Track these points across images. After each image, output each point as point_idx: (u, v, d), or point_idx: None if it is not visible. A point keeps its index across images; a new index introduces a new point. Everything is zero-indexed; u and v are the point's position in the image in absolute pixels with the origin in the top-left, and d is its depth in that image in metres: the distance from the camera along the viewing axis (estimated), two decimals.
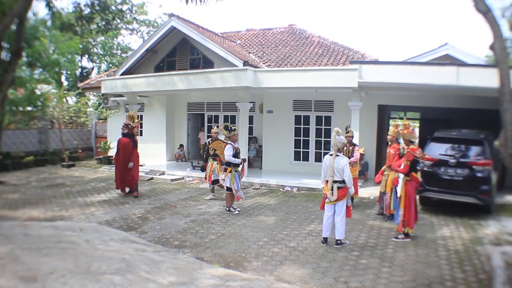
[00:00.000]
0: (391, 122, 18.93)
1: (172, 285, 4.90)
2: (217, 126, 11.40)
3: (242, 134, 14.59)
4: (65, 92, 20.71)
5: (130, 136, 11.98)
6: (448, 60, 14.46)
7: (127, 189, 12.21)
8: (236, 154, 10.09)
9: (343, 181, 7.38)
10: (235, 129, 10.30)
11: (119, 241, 7.10)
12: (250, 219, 9.48)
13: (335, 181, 7.36)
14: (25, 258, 5.15)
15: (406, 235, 7.83)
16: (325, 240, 7.60)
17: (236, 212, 10.10)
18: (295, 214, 10.08)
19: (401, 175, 8.27)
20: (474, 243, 7.66)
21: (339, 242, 7.48)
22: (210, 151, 11.57)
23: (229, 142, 10.16)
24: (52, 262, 5.08)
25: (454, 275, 6.07)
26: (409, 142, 8.04)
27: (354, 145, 10.58)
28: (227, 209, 10.16)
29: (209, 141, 11.77)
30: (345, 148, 10.37)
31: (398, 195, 8.11)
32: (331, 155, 7.48)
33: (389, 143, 9.71)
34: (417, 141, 8.12)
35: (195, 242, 7.70)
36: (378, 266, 6.46)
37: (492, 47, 5.33)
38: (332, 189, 7.35)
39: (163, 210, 10.38)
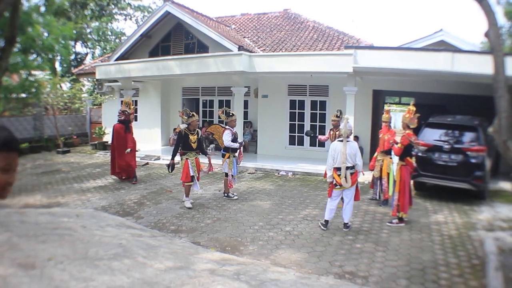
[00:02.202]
0: (386, 107, 18.98)
1: (169, 269, 4.95)
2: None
3: (237, 119, 14.58)
4: (60, 78, 20.57)
5: (124, 122, 11.97)
6: (443, 46, 14.47)
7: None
8: (234, 139, 10.01)
9: (353, 167, 7.43)
10: (233, 114, 10.13)
11: (116, 227, 7.14)
12: (245, 203, 9.54)
13: (347, 168, 7.37)
14: (23, 245, 5.18)
15: (400, 219, 7.90)
16: (326, 223, 7.66)
17: (235, 197, 10.11)
18: (290, 198, 10.15)
19: (395, 160, 8.34)
20: (468, 229, 7.74)
21: (348, 225, 7.58)
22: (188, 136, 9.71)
23: (227, 127, 10.00)
24: (49, 249, 5.11)
25: (448, 260, 6.15)
26: (406, 126, 8.06)
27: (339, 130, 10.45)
28: (226, 194, 10.18)
29: (180, 130, 9.68)
30: (332, 132, 10.29)
31: (393, 180, 8.16)
32: (341, 141, 7.49)
33: (382, 128, 9.77)
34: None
35: (191, 227, 7.76)
36: (372, 250, 6.54)
37: (487, 35, 5.37)
38: (345, 176, 7.37)
39: (159, 195, 10.43)
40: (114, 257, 5.13)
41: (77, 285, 4.24)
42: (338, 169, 7.40)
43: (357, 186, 7.61)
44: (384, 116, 9.73)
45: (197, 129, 9.81)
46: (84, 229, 6.48)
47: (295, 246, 6.72)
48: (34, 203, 9.62)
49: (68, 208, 8.97)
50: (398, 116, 37.89)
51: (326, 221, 7.67)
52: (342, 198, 7.73)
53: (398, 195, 7.82)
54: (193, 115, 9.69)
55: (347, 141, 7.44)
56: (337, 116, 10.40)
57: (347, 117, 7.63)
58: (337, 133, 10.24)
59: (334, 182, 7.49)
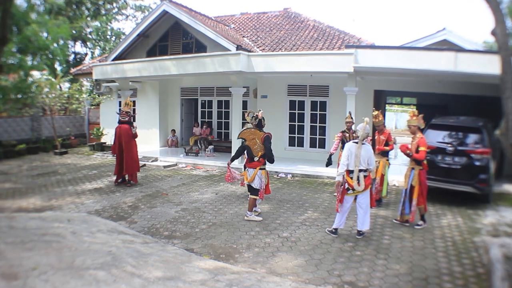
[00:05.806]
0: (387, 107, 18.77)
1: (158, 280, 4.73)
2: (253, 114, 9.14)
3: (235, 120, 14.37)
4: (60, 78, 20.32)
5: (129, 123, 11.73)
6: (446, 46, 14.25)
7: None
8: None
9: (366, 170, 7.14)
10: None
11: (107, 232, 6.92)
12: (242, 207, 9.27)
13: (360, 170, 7.07)
14: (8, 253, 4.97)
15: (422, 218, 7.91)
16: (335, 231, 7.38)
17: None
18: (288, 202, 9.89)
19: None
20: (472, 234, 7.49)
21: (361, 232, 7.26)
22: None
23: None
24: (35, 257, 4.90)
25: (452, 268, 5.90)
26: (418, 129, 7.84)
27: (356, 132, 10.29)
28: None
29: (268, 134, 8.59)
30: (347, 135, 10.15)
31: (409, 185, 7.85)
32: (356, 143, 7.20)
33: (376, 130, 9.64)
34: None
35: (186, 232, 7.51)
36: (373, 258, 6.29)
37: (493, 33, 5.13)
38: (358, 179, 7.06)
39: (154, 198, 10.18)
40: (101, 266, 4.91)
41: None
42: (351, 172, 7.11)
43: (371, 190, 7.30)
44: (379, 121, 9.45)
45: None
46: (74, 235, 6.26)
47: (293, 253, 6.47)
48: (27, 206, 9.38)
49: (60, 212, 8.73)
50: (399, 116, 37.75)
51: (335, 229, 7.39)
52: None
53: (417, 200, 7.69)
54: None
55: (363, 143, 7.18)
56: (350, 117, 10.33)
57: (367, 120, 7.30)
58: (353, 135, 9.97)
59: (347, 186, 7.18)
